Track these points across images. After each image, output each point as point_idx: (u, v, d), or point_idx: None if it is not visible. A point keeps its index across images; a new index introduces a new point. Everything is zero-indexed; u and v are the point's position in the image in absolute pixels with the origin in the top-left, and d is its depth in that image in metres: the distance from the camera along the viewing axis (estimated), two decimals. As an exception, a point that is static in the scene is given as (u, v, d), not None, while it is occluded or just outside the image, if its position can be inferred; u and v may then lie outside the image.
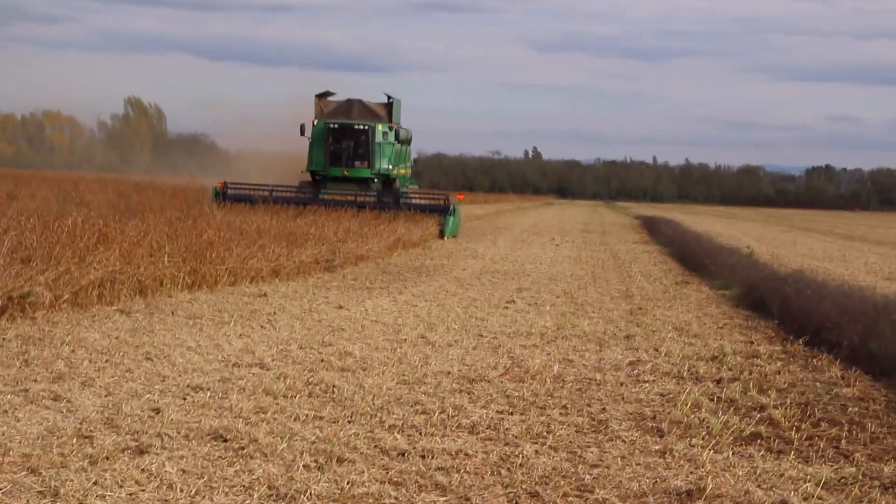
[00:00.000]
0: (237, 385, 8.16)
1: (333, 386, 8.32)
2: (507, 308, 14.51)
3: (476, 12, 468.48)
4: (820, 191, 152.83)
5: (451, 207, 31.25)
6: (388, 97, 34.51)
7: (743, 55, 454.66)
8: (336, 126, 32.84)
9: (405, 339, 10.99)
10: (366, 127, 32.81)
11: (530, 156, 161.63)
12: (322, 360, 9.49)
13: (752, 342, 11.98)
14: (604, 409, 8.20)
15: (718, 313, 14.94)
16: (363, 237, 22.40)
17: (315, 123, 33.38)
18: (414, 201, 31.92)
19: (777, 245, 33.32)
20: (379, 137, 32.96)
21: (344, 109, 34.14)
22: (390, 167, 33.82)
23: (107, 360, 8.78)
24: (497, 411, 7.90)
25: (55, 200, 25.45)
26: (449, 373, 9.25)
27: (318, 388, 8.31)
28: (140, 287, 12.80)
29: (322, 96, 34.47)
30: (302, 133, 33.10)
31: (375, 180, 33.37)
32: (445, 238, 29.99)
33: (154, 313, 11.79)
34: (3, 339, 9.30)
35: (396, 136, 34.09)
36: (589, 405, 8.28)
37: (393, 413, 7.61)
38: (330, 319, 12.35)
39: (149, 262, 13.22)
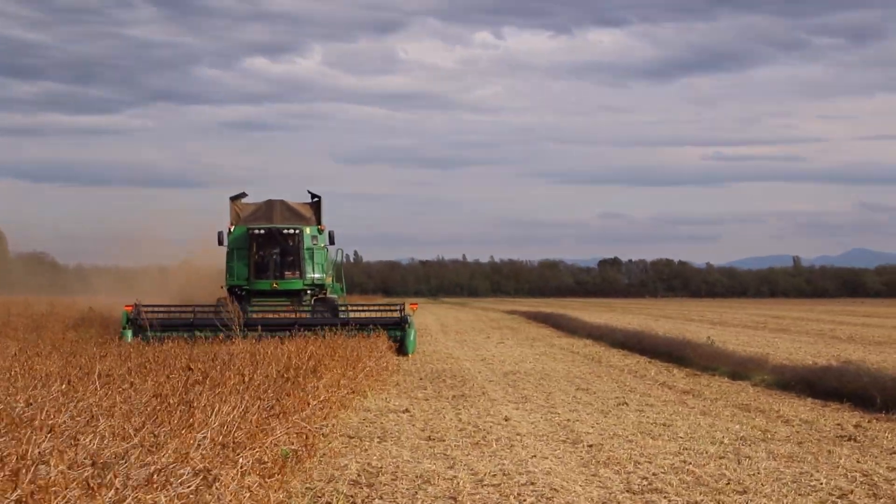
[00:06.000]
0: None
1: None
2: (640, 411, 15.01)
3: (285, 130, 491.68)
4: (613, 280, 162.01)
5: (408, 320, 26.73)
6: (312, 195, 31.12)
7: (523, 162, 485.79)
8: (261, 232, 29.27)
9: (683, 451, 11.43)
10: (296, 231, 29.39)
11: (352, 259, 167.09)
12: (676, 485, 9.74)
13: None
14: None
15: (816, 406, 15.78)
16: (383, 350, 22.95)
17: (232, 230, 29.81)
18: (364, 314, 27.79)
19: (677, 334, 34.88)
20: (308, 242, 29.68)
21: (264, 212, 30.48)
22: (323, 276, 30.19)
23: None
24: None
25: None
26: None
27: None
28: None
29: (236, 198, 30.76)
30: (220, 242, 29.49)
31: (308, 292, 29.92)
32: (409, 355, 25.85)
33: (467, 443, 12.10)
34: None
35: (330, 240, 30.47)
36: None
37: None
38: (540, 433, 12.90)
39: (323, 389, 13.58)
